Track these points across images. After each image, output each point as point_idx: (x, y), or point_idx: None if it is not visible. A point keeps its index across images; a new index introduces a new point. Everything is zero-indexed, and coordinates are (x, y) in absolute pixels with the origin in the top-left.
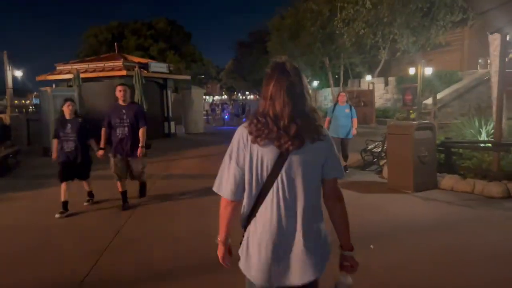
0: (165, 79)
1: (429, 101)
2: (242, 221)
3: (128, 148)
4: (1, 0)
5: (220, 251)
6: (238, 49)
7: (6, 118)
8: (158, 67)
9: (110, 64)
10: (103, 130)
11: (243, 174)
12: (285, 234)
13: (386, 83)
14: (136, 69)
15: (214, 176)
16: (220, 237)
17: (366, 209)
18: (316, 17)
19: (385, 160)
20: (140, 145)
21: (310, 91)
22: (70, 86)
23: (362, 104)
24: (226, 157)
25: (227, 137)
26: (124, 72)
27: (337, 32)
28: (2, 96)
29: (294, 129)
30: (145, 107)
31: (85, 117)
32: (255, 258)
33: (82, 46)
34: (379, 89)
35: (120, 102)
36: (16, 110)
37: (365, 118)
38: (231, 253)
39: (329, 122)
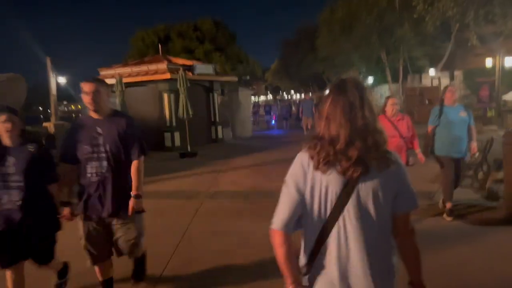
0: (211, 82)
1: (509, 96)
2: (303, 257)
3: (110, 202)
4: (45, 4)
5: None
6: (284, 47)
7: (50, 126)
8: (203, 69)
9: (153, 67)
10: (65, 169)
11: (302, 205)
12: (353, 273)
13: (452, 78)
14: (181, 71)
15: (268, 196)
16: (288, 281)
17: (497, 256)
18: (372, 7)
19: (483, 174)
20: (132, 193)
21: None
22: (114, 92)
23: (427, 102)
24: (284, 185)
25: (278, 142)
26: (168, 75)
27: (414, 16)
28: (60, 102)
29: (354, 153)
30: (190, 112)
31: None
32: None
33: (129, 51)
34: (443, 85)
35: (91, 113)
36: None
37: None
38: None
39: (434, 133)
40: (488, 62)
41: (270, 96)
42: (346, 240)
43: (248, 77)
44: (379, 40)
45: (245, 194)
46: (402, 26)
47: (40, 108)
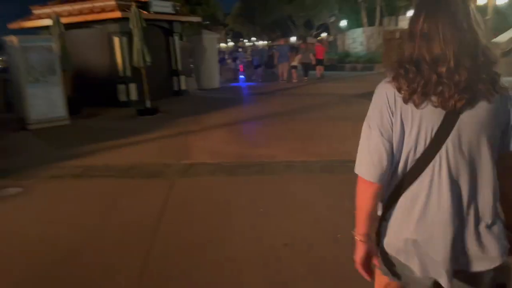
0: (170, 22)
1: (502, 38)
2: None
3: None
4: None
5: (359, 251)
6: None
7: None
8: (161, 6)
9: (99, 3)
10: None
11: (391, 148)
12: (442, 230)
13: None
14: (134, 7)
15: (262, 169)
16: (359, 231)
17: None
18: None
19: None
20: None
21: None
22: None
23: None
24: (365, 127)
25: (253, 94)
26: (118, 14)
27: None
28: None
29: (464, 75)
30: (147, 59)
31: None
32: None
33: None
34: None
35: None
36: None
37: None
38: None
39: None
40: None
41: (231, 43)
42: (439, 187)
43: (207, 22)
44: None
45: (230, 168)
46: None
47: None
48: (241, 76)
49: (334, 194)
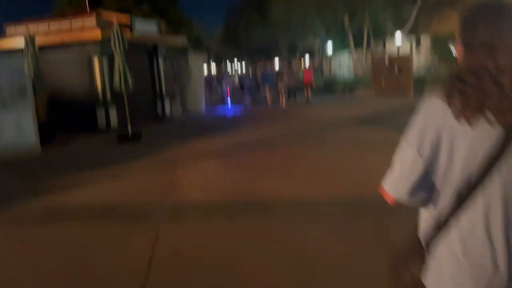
0: (155, 44)
1: None
2: (424, 238)
3: None
4: None
5: None
6: (230, 14)
7: None
8: (145, 26)
9: (79, 23)
10: None
11: (428, 170)
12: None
13: (418, 43)
14: (115, 27)
15: (268, 210)
16: None
17: None
18: None
19: None
20: None
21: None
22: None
23: (397, 71)
24: (404, 142)
25: (242, 119)
26: (98, 34)
27: None
28: None
29: None
30: (130, 82)
31: None
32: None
33: (52, 13)
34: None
35: None
36: None
37: (400, 88)
38: None
39: None
40: None
41: (214, 66)
42: (494, 216)
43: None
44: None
45: (226, 210)
46: None
47: None
48: (229, 100)
49: (358, 249)
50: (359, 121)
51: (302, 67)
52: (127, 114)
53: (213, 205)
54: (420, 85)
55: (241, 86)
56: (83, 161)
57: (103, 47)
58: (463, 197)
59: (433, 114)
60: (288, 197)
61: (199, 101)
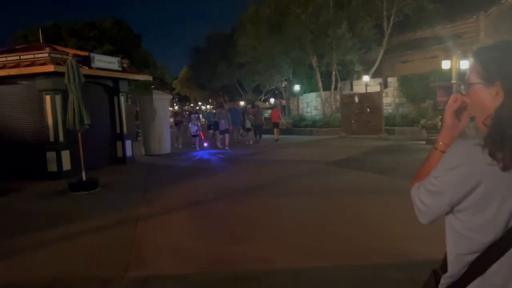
0: (116, 80)
1: None
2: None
3: None
4: None
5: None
6: (194, 55)
7: None
8: (105, 62)
9: (29, 56)
10: None
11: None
12: None
13: (386, 85)
14: (70, 60)
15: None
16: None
17: None
18: (307, 1)
19: None
20: None
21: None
22: None
23: (368, 110)
24: (429, 186)
25: (214, 161)
26: (51, 68)
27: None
28: None
29: None
30: (86, 121)
31: None
32: None
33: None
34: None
35: None
36: None
37: (371, 127)
38: None
39: None
40: (445, 64)
41: (176, 107)
42: None
43: (153, 86)
44: (314, 41)
45: (206, 284)
46: (340, 25)
47: None
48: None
49: None
50: (336, 163)
51: (269, 107)
52: (81, 158)
53: (188, 280)
54: (389, 124)
55: (213, 124)
56: (23, 218)
57: (56, 82)
58: (492, 249)
59: (468, 162)
60: (282, 263)
61: (164, 142)
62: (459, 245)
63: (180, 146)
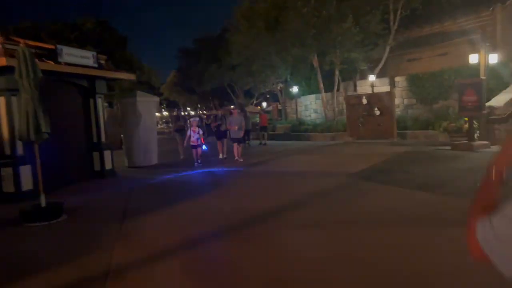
0: (91, 79)
1: (495, 102)
2: None
3: None
4: None
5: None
6: (182, 58)
7: None
8: (76, 57)
9: None
10: None
11: None
12: None
13: (393, 85)
14: (22, 49)
15: None
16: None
17: None
18: None
19: None
20: None
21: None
22: None
23: (378, 112)
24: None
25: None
26: (2, 61)
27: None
28: None
29: None
30: (43, 128)
31: None
32: None
33: None
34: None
35: None
36: None
37: (381, 131)
38: None
39: None
40: (473, 58)
41: (164, 112)
42: None
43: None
44: (316, 36)
45: None
46: (345, 19)
47: None
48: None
49: None
50: (360, 176)
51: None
52: (39, 177)
53: None
54: (400, 128)
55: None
56: None
57: (12, 80)
58: None
59: None
60: None
61: (150, 151)
62: None
63: (181, 157)
